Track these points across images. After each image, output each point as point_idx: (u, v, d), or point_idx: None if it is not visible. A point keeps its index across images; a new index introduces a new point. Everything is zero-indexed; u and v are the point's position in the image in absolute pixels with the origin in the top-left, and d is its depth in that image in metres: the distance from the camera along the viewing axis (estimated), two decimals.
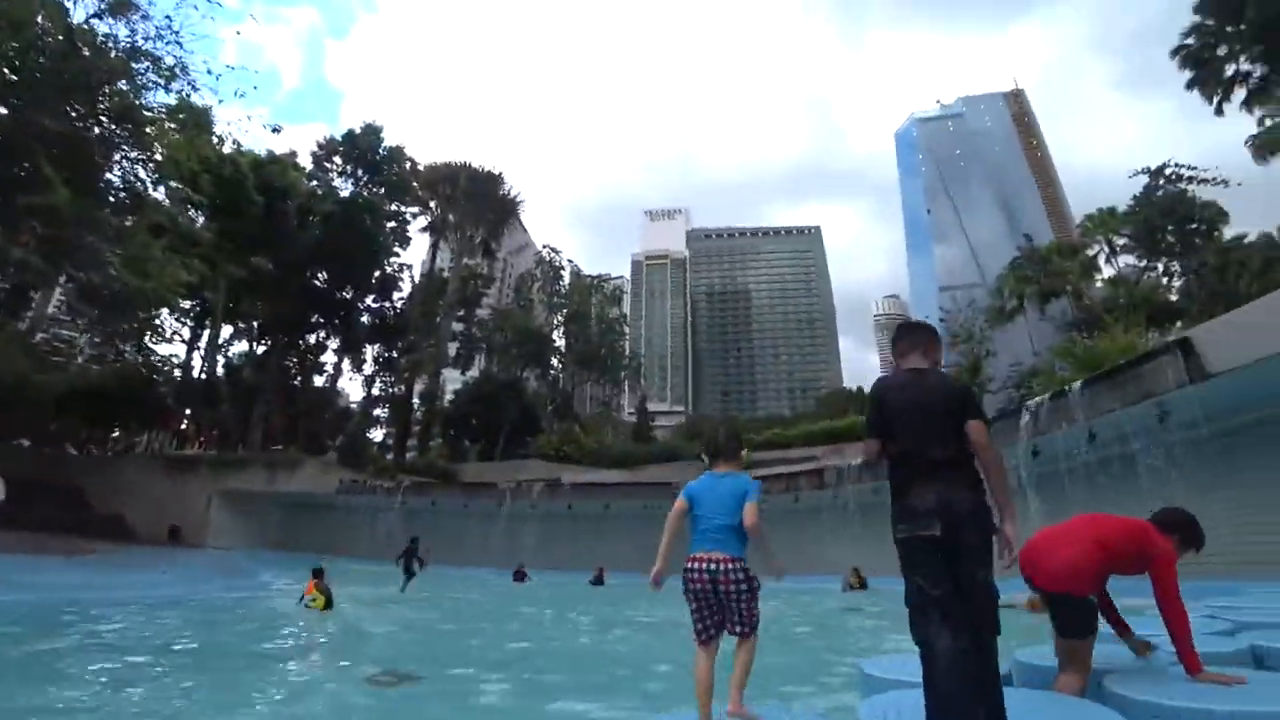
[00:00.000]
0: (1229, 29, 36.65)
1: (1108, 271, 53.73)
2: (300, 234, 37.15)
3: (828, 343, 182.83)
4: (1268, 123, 39.57)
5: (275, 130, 29.08)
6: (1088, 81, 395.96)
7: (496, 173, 49.56)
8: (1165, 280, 48.64)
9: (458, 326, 51.20)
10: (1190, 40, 38.53)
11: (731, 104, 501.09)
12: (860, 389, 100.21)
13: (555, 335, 54.41)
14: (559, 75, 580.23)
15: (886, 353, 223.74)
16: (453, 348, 51.23)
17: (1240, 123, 39.60)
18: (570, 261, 57.24)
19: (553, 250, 55.36)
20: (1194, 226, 46.04)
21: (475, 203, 46.68)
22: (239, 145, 31.18)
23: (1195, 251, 43.97)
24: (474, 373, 54.71)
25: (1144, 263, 50.95)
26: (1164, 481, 12.42)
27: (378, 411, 54.38)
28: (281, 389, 42.62)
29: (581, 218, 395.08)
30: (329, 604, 11.09)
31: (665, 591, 3.67)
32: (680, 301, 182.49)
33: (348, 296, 43.53)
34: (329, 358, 47.43)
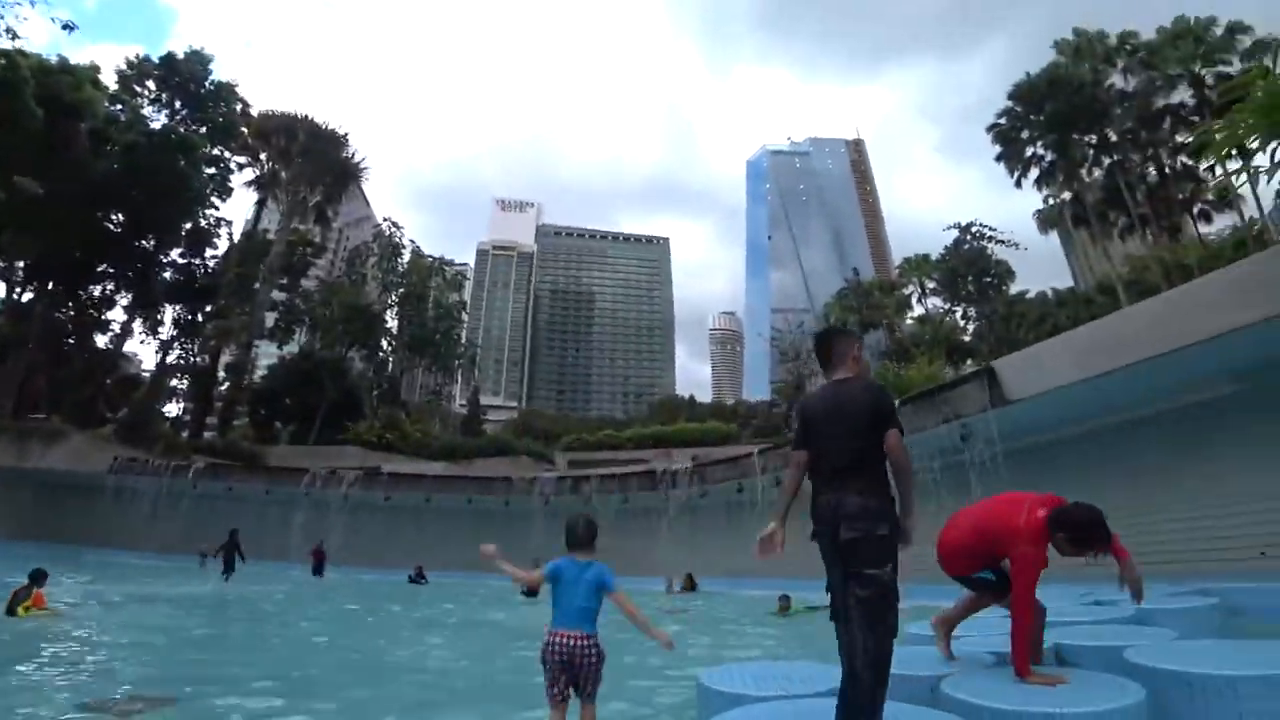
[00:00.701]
0: (1032, 117, 42.74)
1: (918, 310, 60.16)
2: (93, 163, 31.54)
3: (664, 350, 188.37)
4: (1050, 202, 46.91)
5: (68, 28, 24.51)
6: (917, 143, 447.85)
7: (341, 133, 45.28)
8: (963, 323, 55.14)
9: (279, 295, 46.30)
10: (1002, 120, 44.64)
11: (594, 107, 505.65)
12: (692, 397, 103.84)
13: (388, 316, 50.66)
14: (417, 42, 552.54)
15: (719, 365, 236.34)
16: (271, 318, 46.21)
17: (1032, 198, 46.42)
18: (412, 241, 53.70)
19: (394, 225, 51.69)
20: (989, 280, 52.85)
21: (313, 162, 42.14)
22: (15, 36, 25.88)
23: (988, 301, 50.35)
24: (293, 348, 49.88)
25: (947, 306, 57.51)
26: (962, 495, 13.70)
27: (176, 383, 47.93)
28: (49, 346, 35.88)
29: (427, 198, 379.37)
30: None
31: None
32: (523, 296, 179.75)
33: (148, 246, 37.69)
34: (118, 315, 40.62)
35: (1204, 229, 42.90)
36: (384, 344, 50.86)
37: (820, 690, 3.75)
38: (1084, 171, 43.80)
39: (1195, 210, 42.57)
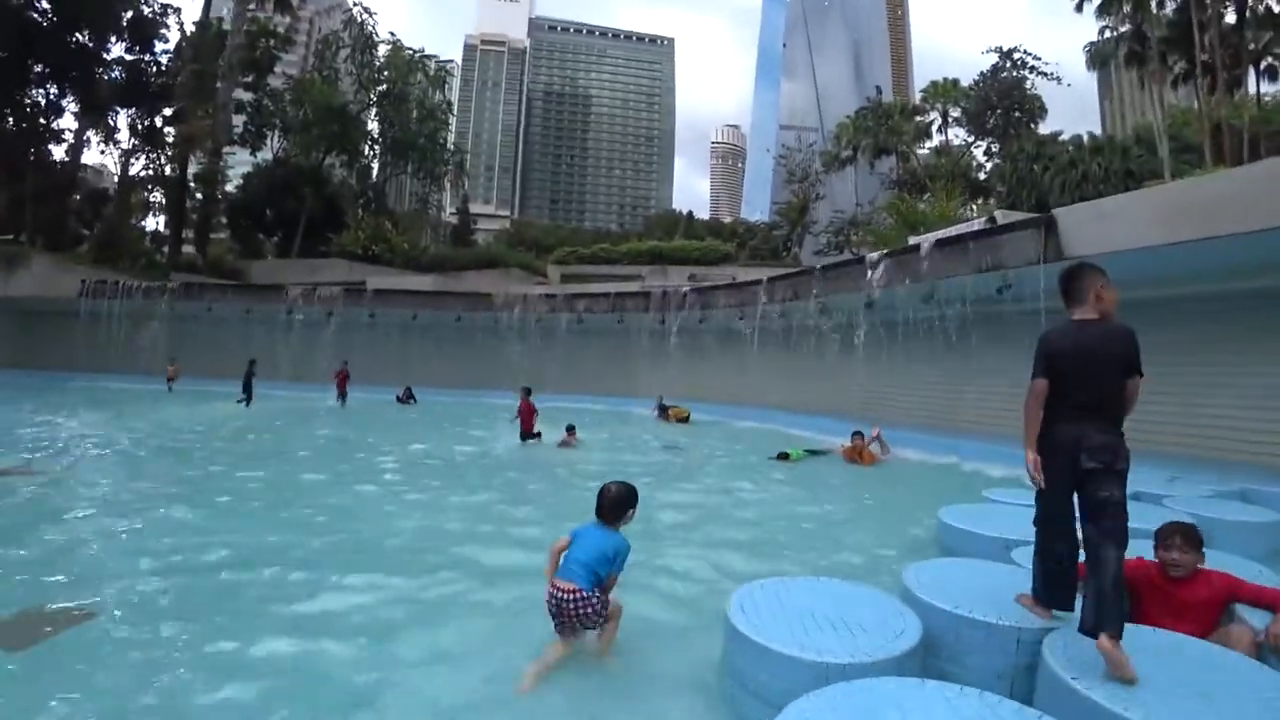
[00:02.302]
0: None
1: (936, 140, 56.39)
2: None
3: (663, 163, 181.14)
4: (1107, 34, 41.71)
5: None
6: None
7: None
8: (984, 159, 51.82)
9: (245, 95, 42.11)
10: None
11: None
12: (690, 213, 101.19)
13: (366, 117, 46.37)
14: None
15: (719, 181, 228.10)
16: (239, 122, 42.33)
17: (1080, 33, 41.02)
18: (392, 34, 47.83)
19: (366, 11, 45.58)
20: (1018, 115, 48.69)
21: None
22: None
23: (1014, 138, 46.56)
24: (266, 155, 46.38)
25: (971, 139, 53.69)
26: (990, 348, 13.28)
27: (153, 197, 45.04)
28: (3, 159, 32.61)
29: None
30: None
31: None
32: (515, 98, 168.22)
33: (85, 40, 33.23)
34: (68, 124, 36.62)
35: (1265, 88, 38.93)
36: (364, 149, 47.26)
37: None
38: (1148, 5, 38.29)
39: (1262, 65, 38.23)
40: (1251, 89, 39.16)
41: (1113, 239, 9.52)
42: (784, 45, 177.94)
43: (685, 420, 18.91)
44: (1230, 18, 37.37)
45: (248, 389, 19.21)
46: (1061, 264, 10.47)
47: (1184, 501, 6.31)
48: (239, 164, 46.93)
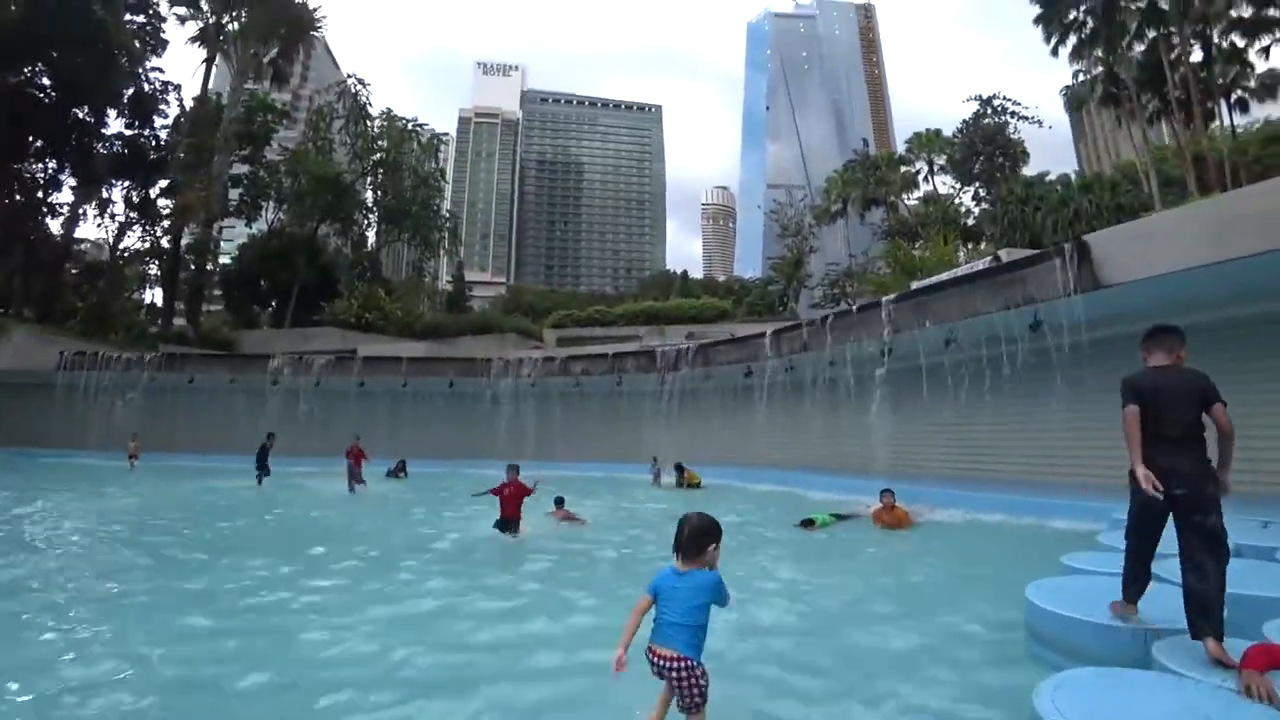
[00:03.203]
0: None
1: (924, 189, 57.10)
2: None
3: (656, 225, 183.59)
4: (1081, 77, 42.96)
5: None
6: (936, 11, 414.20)
7: None
8: (973, 204, 52.33)
9: (241, 169, 42.32)
10: None
11: None
12: (685, 273, 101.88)
13: (360, 186, 46.56)
14: None
15: (711, 241, 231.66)
16: (235, 195, 42.43)
17: (1054, 78, 42.70)
18: (388, 109, 48.41)
19: (360, 82, 46.26)
20: (1002, 160, 49.51)
21: (260, 9, 36.96)
22: None
23: (998, 183, 47.15)
24: (261, 226, 46.36)
25: (957, 185, 54.37)
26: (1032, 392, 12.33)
27: (148, 269, 44.67)
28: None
29: (403, 62, 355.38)
30: None
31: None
32: (509, 167, 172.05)
33: (83, 115, 33.31)
34: (65, 197, 36.38)
35: (1239, 119, 39.94)
36: (358, 217, 47.33)
37: None
38: (1121, 47, 39.51)
39: (1233, 98, 39.18)
40: (1226, 120, 39.78)
41: (1155, 261, 8.81)
42: (767, 108, 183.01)
43: (697, 486, 17.86)
44: (1197, 55, 38.42)
45: (262, 464, 17.57)
46: (1098, 292, 9.94)
47: None
48: (234, 236, 46.94)
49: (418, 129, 47.75)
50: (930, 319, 12.26)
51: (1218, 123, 39.97)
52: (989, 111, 49.00)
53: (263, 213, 45.39)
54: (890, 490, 10.39)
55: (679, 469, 18.49)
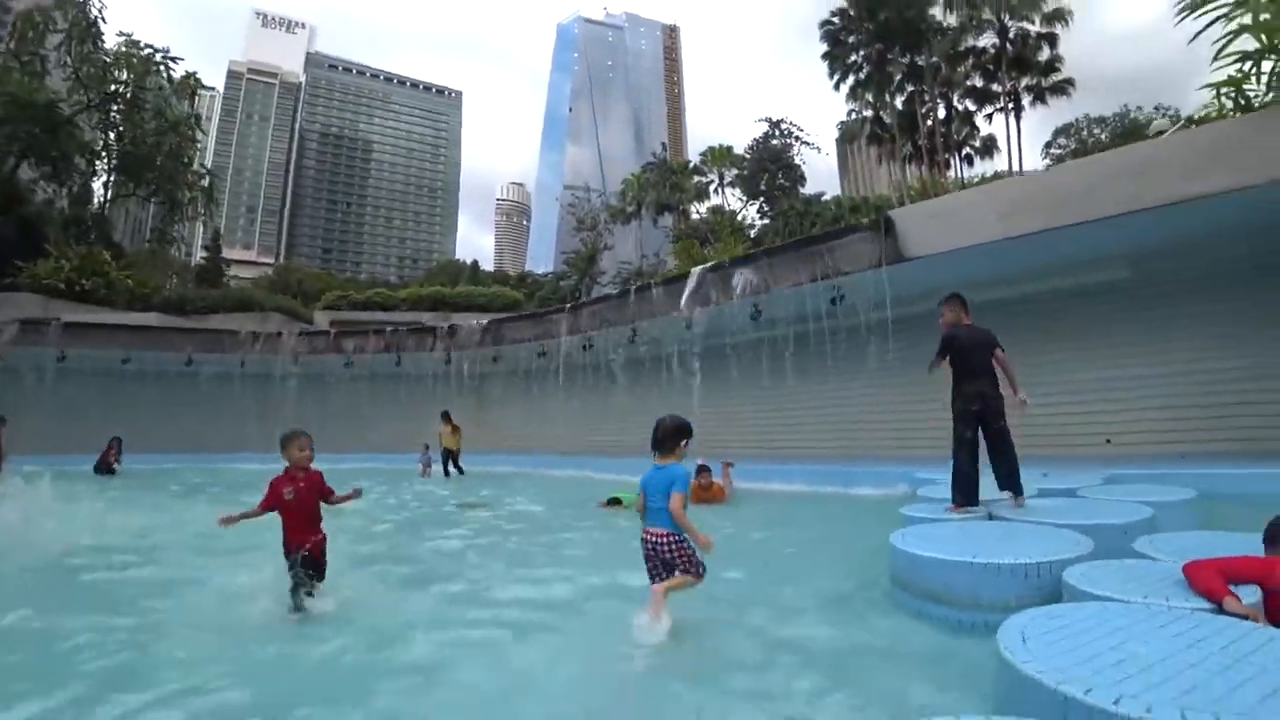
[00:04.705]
0: (865, 23, 42.97)
1: (714, 200, 60.31)
2: None
3: (447, 215, 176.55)
4: (853, 115, 48.72)
5: None
6: (738, 38, 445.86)
7: None
8: (757, 218, 56.11)
9: None
10: (835, 20, 45.09)
11: None
12: (475, 263, 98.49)
13: (85, 123, 37.84)
14: None
15: (504, 236, 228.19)
16: None
17: (833, 112, 48.46)
18: (129, 34, 39.81)
19: None
20: (782, 181, 53.94)
21: None
22: None
23: (779, 201, 51.28)
24: None
25: (744, 200, 58.21)
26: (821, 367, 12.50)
27: None
28: None
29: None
30: None
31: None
32: (286, 135, 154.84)
33: None
34: None
35: (967, 171, 47.26)
36: (79, 162, 38.58)
37: None
38: (888, 94, 45.42)
39: (964, 153, 46.55)
40: (956, 172, 47.22)
41: (955, 236, 9.13)
42: (570, 109, 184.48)
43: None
44: (943, 113, 45.45)
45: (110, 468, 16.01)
46: (902, 265, 10.24)
47: (1113, 493, 5.90)
48: None
49: (168, 61, 39.82)
50: (738, 292, 11.99)
51: (953, 172, 46.78)
52: (776, 134, 52.75)
53: None
54: (706, 466, 9.84)
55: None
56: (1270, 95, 10.86)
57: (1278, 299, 8.96)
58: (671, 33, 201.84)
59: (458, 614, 4.28)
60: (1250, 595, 2.63)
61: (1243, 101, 11.44)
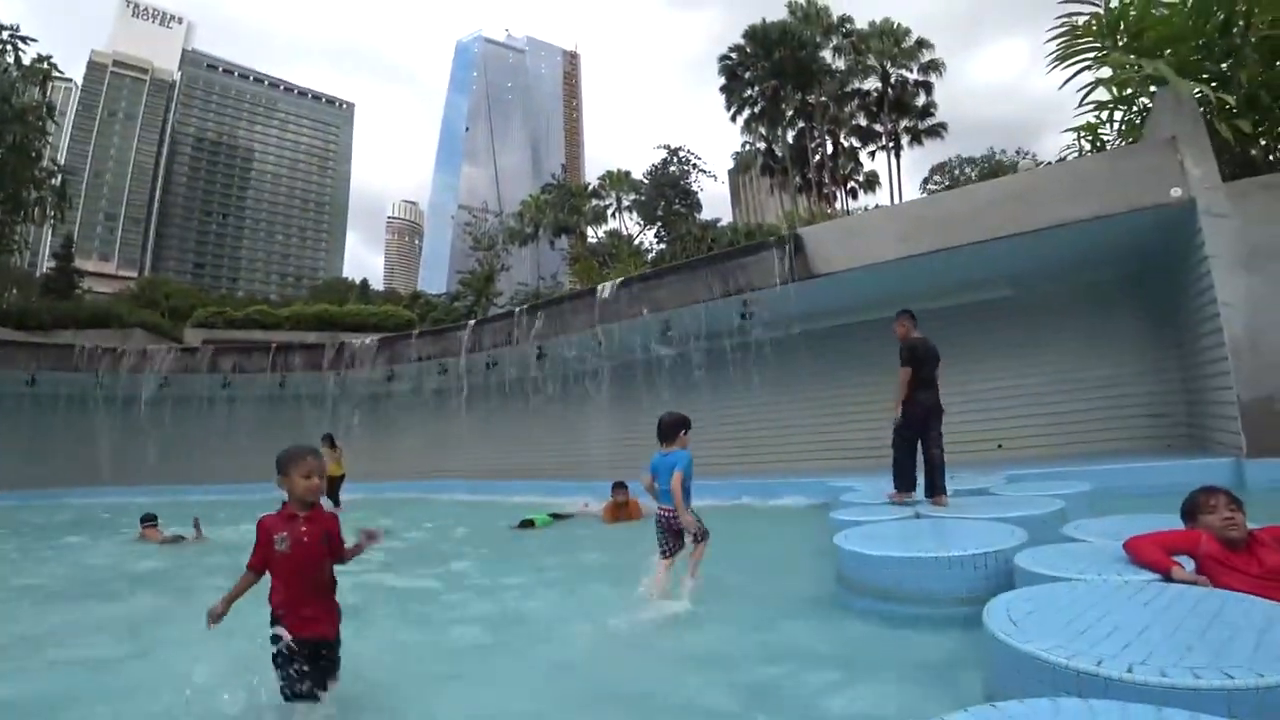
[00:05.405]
0: (761, 64, 45.53)
1: (612, 224, 60.95)
2: None
3: (334, 232, 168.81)
4: (747, 147, 51.23)
5: None
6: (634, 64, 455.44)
7: None
8: (656, 242, 57.06)
9: None
10: (733, 55, 47.62)
11: None
12: (365, 281, 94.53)
13: None
14: None
15: (394, 256, 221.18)
16: None
17: (730, 142, 50.89)
18: None
19: None
20: (678, 208, 55.35)
21: None
22: None
23: (677, 226, 52.53)
24: None
25: (642, 226, 59.16)
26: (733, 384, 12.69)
27: None
28: None
29: None
30: None
31: None
32: (154, 137, 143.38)
33: None
34: None
35: (852, 204, 50.47)
36: None
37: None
38: (780, 128, 48.01)
39: (849, 187, 49.99)
40: (841, 204, 50.30)
41: (860, 254, 9.53)
42: (467, 129, 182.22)
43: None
44: (830, 148, 48.50)
45: None
46: (811, 281, 10.58)
47: (1019, 489, 6.54)
48: None
49: (16, 40, 35.64)
50: (648, 307, 11.99)
51: (839, 204, 49.61)
52: (675, 161, 54.03)
53: None
54: (623, 484, 9.63)
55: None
56: (1121, 140, 12.29)
57: (1138, 311, 10.05)
58: (572, 59, 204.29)
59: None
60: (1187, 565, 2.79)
61: (1099, 144, 12.85)
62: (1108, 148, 12.05)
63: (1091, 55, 11.05)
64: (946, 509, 5.45)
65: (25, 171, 36.20)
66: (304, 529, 2.79)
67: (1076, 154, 12.99)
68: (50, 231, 52.53)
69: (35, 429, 18.84)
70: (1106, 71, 11.47)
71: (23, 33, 36.21)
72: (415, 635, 4.24)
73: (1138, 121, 11.61)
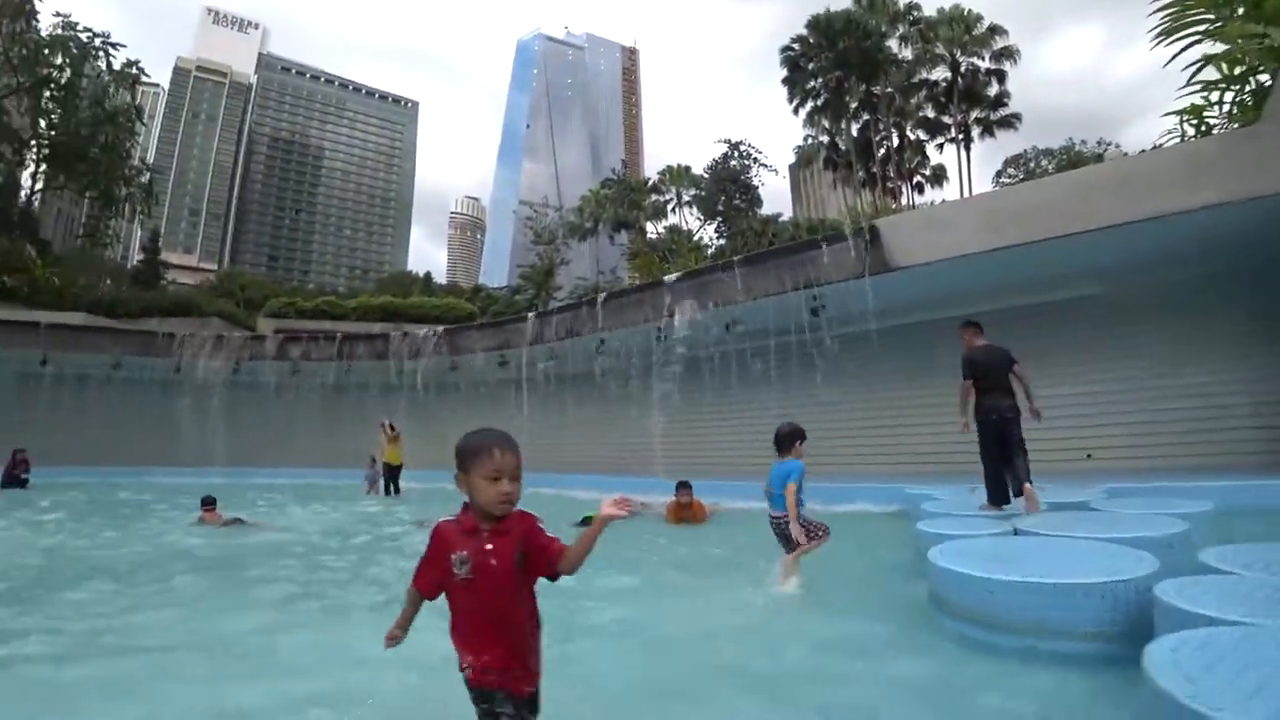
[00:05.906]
0: (824, 52, 43.87)
1: (672, 219, 60.41)
2: None
3: (399, 227, 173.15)
4: (810, 140, 49.64)
5: None
6: (702, 62, 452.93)
7: None
8: (715, 238, 56.34)
9: None
10: (795, 46, 45.90)
11: None
12: (428, 274, 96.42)
13: (13, 107, 35.46)
14: None
15: (457, 251, 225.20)
16: None
17: (792, 137, 49.51)
18: (67, 15, 37.46)
19: None
20: (738, 203, 54.39)
21: None
22: None
23: (737, 221, 51.61)
24: None
25: (703, 221, 58.44)
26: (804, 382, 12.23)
27: None
28: None
29: None
30: None
31: None
32: (234, 137, 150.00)
33: None
34: None
35: (918, 199, 48.51)
36: (6, 149, 36.24)
37: None
38: (844, 121, 46.43)
39: (915, 181, 47.94)
40: (906, 199, 48.51)
41: (941, 246, 8.93)
42: (527, 126, 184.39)
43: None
44: (895, 141, 46.69)
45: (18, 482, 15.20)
46: (886, 275, 10.01)
47: (1125, 505, 5.79)
48: None
49: (108, 47, 37.69)
50: (715, 300, 11.61)
51: (904, 199, 47.90)
52: (735, 155, 53.14)
53: None
54: (686, 483, 9.25)
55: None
56: (1230, 124, 11.22)
57: (1245, 311, 9.11)
58: (631, 55, 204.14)
59: None
60: None
61: (1204, 128, 11.77)
62: (1214, 133, 11.06)
63: (1202, 29, 10.10)
64: (1043, 520, 4.93)
65: (116, 170, 38.45)
66: (491, 548, 2.10)
67: (1179, 139, 11.98)
68: (139, 226, 55.19)
69: (121, 410, 19.69)
70: (1214, 48, 10.53)
71: (113, 40, 38.13)
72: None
73: (1250, 102, 10.61)
